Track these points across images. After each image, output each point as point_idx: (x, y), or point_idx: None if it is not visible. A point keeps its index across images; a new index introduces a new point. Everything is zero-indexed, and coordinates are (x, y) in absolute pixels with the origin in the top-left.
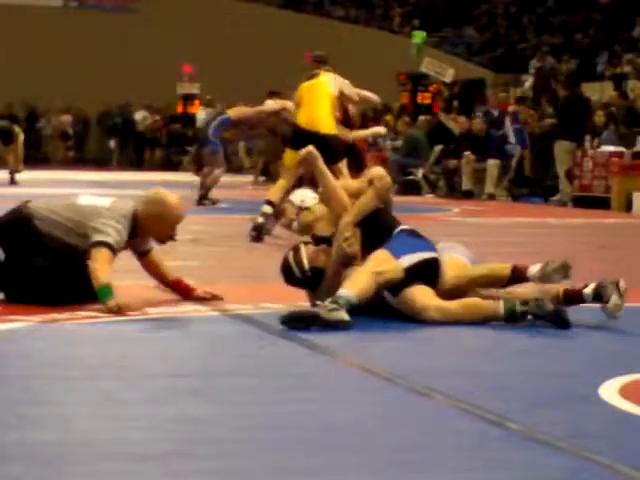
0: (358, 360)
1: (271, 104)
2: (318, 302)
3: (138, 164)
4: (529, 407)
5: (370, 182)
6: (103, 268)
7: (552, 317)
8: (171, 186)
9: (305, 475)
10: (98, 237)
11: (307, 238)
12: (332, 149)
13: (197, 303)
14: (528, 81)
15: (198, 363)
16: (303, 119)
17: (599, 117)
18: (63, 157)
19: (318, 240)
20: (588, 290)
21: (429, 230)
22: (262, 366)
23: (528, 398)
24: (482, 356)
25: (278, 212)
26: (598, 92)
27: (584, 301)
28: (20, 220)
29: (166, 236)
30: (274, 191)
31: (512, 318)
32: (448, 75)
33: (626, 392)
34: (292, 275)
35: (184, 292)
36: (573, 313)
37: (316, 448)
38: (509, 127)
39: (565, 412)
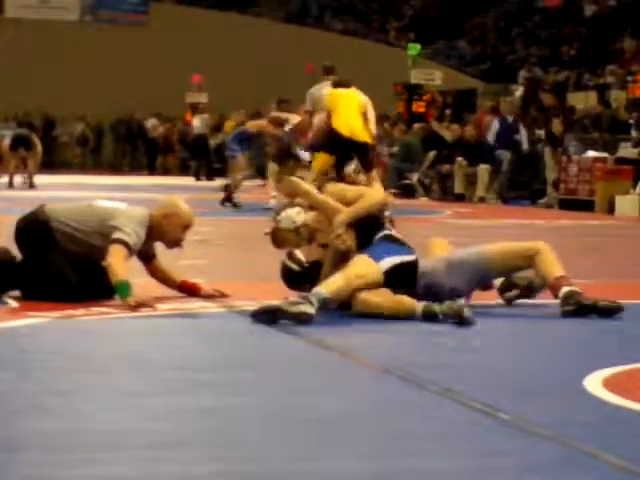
0: (356, 353)
1: (277, 117)
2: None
3: (150, 169)
4: (517, 398)
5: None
6: (120, 264)
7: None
8: (179, 190)
9: (307, 463)
10: (117, 234)
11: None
12: (369, 158)
13: (205, 300)
14: (518, 91)
15: (206, 357)
16: (345, 127)
17: (557, 125)
18: (81, 162)
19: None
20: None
21: (423, 231)
22: (264, 359)
23: (516, 389)
24: (472, 349)
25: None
26: (583, 101)
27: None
28: (38, 222)
29: (176, 240)
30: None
31: (429, 318)
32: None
33: (610, 384)
34: (292, 273)
35: (191, 292)
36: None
37: (317, 437)
38: (524, 133)
39: (551, 403)
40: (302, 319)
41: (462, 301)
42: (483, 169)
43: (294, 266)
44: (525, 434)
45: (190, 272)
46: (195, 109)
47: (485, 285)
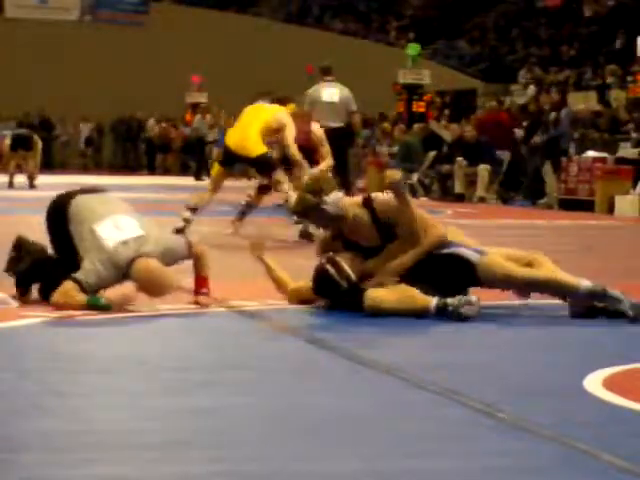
0: (356, 354)
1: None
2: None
3: (150, 169)
4: (517, 397)
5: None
6: (67, 295)
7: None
8: (178, 190)
9: (307, 463)
10: (76, 273)
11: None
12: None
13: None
14: (529, 89)
15: (206, 357)
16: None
17: (468, 132)
18: (86, 162)
19: (348, 243)
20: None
21: None
22: (263, 360)
23: (516, 389)
24: (471, 350)
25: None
26: (583, 101)
27: None
28: (57, 216)
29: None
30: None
31: (442, 312)
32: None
33: (609, 384)
34: (333, 286)
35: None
36: (564, 308)
37: (316, 438)
38: (567, 126)
39: (551, 402)
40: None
41: (474, 297)
42: (483, 169)
43: (342, 282)
44: (525, 434)
45: (189, 272)
46: (195, 109)
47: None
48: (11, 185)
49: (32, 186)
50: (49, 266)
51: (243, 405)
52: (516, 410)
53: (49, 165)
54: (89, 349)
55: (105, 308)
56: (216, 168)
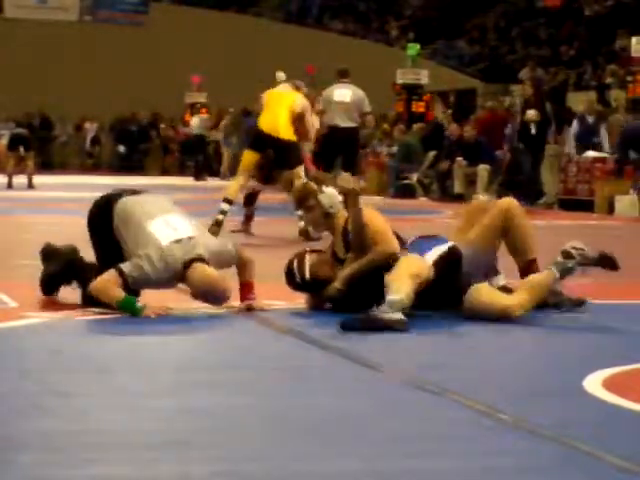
0: (354, 354)
1: None
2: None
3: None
4: (517, 398)
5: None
6: (106, 286)
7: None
8: (177, 190)
9: (307, 463)
10: (121, 264)
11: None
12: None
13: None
14: (518, 89)
15: (205, 358)
16: (265, 124)
17: (468, 132)
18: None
19: (334, 254)
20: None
21: (424, 231)
22: (263, 360)
23: (516, 390)
24: (472, 351)
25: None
26: (583, 102)
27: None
28: (102, 217)
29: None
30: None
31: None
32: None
33: (609, 384)
34: (293, 280)
35: (242, 295)
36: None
37: (316, 438)
38: (605, 136)
39: (551, 403)
40: (398, 326)
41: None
42: (483, 169)
43: (297, 277)
44: (525, 435)
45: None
46: (194, 109)
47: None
48: (10, 185)
49: (31, 186)
50: (83, 266)
51: (243, 405)
52: (516, 410)
53: (48, 165)
54: (89, 349)
55: (136, 313)
56: (246, 155)
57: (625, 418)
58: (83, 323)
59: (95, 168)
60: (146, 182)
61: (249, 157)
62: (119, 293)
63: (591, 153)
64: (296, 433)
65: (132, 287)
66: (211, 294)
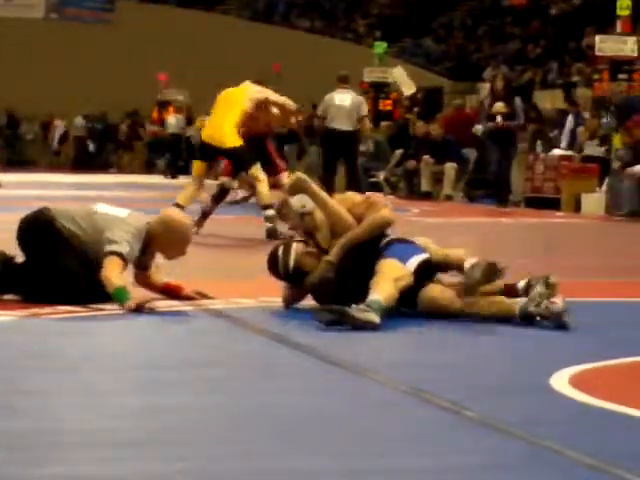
0: (326, 353)
1: None
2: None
3: (117, 167)
4: (483, 396)
5: (369, 208)
6: (115, 274)
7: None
8: (146, 188)
9: (273, 461)
10: (112, 247)
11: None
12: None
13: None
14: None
15: (175, 356)
16: (204, 133)
17: (435, 130)
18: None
19: (318, 248)
20: (521, 284)
21: (391, 230)
22: (233, 359)
23: (483, 387)
24: (439, 349)
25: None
26: (549, 100)
27: (518, 294)
28: (42, 222)
29: (176, 256)
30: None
31: (527, 317)
32: (408, 89)
33: (576, 381)
34: (276, 268)
35: (174, 293)
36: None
37: (284, 435)
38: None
39: (518, 401)
40: (369, 327)
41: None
42: (450, 167)
43: (280, 267)
44: (492, 432)
45: (161, 269)
46: (162, 107)
47: None
48: None
49: None
50: (15, 269)
51: (211, 404)
52: (483, 408)
53: (14, 163)
54: (57, 347)
55: (122, 302)
56: (196, 164)
57: (592, 416)
58: (50, 321)
59: (63, 166)
60: (115, 180)
61: (198, 166)
62: (120, 282)
63: (557, 151)
64: (264, 432)
65: (127, 264)
66: (178, 235)
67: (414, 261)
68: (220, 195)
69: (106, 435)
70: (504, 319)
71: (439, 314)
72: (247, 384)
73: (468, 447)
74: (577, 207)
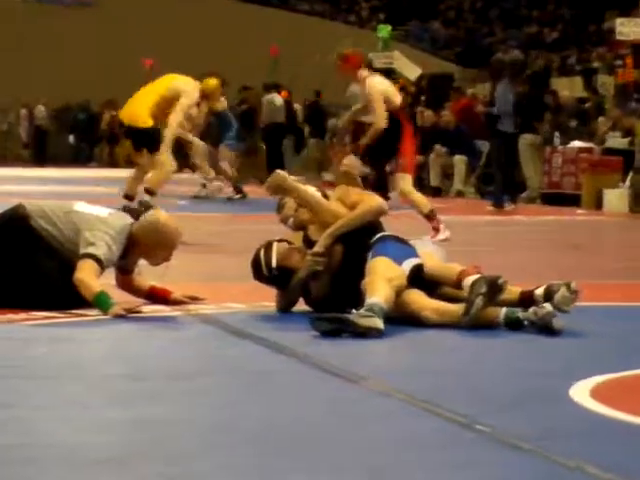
0: (320, 360)
1: None
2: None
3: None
4: (497, 408)
5: (362, 196)
6: (91, 279)
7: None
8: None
9: (265, 476)
10: (88, 249)
11: (289, 235)
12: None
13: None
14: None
15: (157, 364)
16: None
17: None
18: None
19: (309, 242)
20: (539, 291)
21: (396, 230)
22: (224, 368)
23: (496, 398)
24: (443, 355)
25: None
26: (568, 88)
27: (536, 302)
28: (16, 221)
29: (161, 261)
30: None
31: (512, 324)
32: (413, 72)
33: (597, 393)
34: (259, 271)
35: (161, 298)
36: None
37: (274, 449)
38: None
39: (535, 413)
40: (373, 334)
41: (549, 307)
42: (459, 160)
43: (263, 267)
44: (506, 447)
45: (147, 273)
46: None
47: None
48: None
49: None
50: None
51: (200, 417)
52: (495, 421)
53: None
54: (34, 356)
55: (106, 309)
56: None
57: (614, 429)
58: (28, 328)
59: (38, 160)
60: (94, 175)
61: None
62: (97, 287)
63: (577, 143)
64: (256, 447)
65: (105, 268)
66: (172, 239)
67: (408, 264)
68: None
69: (84, 451)
70: (487, 327)
71: (405, 318)
72: (238, 395)
73: (478, 463)
74: (598, 204)
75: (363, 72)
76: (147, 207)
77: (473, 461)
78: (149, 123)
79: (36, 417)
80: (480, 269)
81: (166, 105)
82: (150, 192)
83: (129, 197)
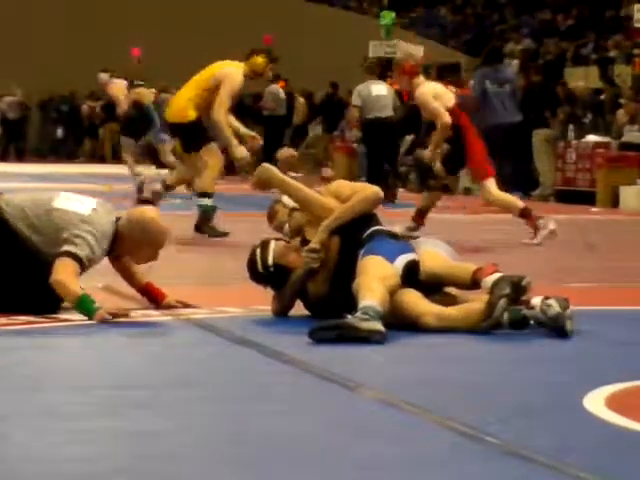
0: (317, 368)
1: None
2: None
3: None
4: (508, 419)
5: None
6: (69, 280)
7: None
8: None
9: None
10: (67, 247)
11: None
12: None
13: (161, 310)
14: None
15: (146, 372)
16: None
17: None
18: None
19: (307, 244)
20: (536, 300)
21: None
22: (218, 376)
23: (507, 409)
24: (449, 363)
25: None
26: (583, 78)
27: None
28: None
29: (146, 260)
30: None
31: (518, 324)
32: (416, 53)
33: (613, 402)
34: (255, 269)
35: (154, 298)
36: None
37: (275, 464)
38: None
39: (547, 424)
40: (376, 338)
41: (555, 304)
42: None
43: (259, 264)
44: (517, 460)
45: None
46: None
47: None
48: None
49: None
50: None
51: (192, 428)
52: (506, 433)
53: None
54: (14, 363)
55: (90, 314)
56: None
57: (631, 441)
58: (5, 334)
59: (16, 154)
60: (77, 170)
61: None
62: (78, 290)
63: (592, 137)
64: (252, 460)
65: (85, 269)
66: (159, 237)
67: (401, 261)
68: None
69: (66, 465)
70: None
71: (401, 323)
72: (233, 405)
73: (490, 478)
74: (614, 201)
75: (418, 80)
76: (157, 197)
77: (483, 475)
78: (190, 117)
79: (14, 428)
80: (498, 268)
81: (211, 96)
82: (206, 195)
83: (169, 187)
